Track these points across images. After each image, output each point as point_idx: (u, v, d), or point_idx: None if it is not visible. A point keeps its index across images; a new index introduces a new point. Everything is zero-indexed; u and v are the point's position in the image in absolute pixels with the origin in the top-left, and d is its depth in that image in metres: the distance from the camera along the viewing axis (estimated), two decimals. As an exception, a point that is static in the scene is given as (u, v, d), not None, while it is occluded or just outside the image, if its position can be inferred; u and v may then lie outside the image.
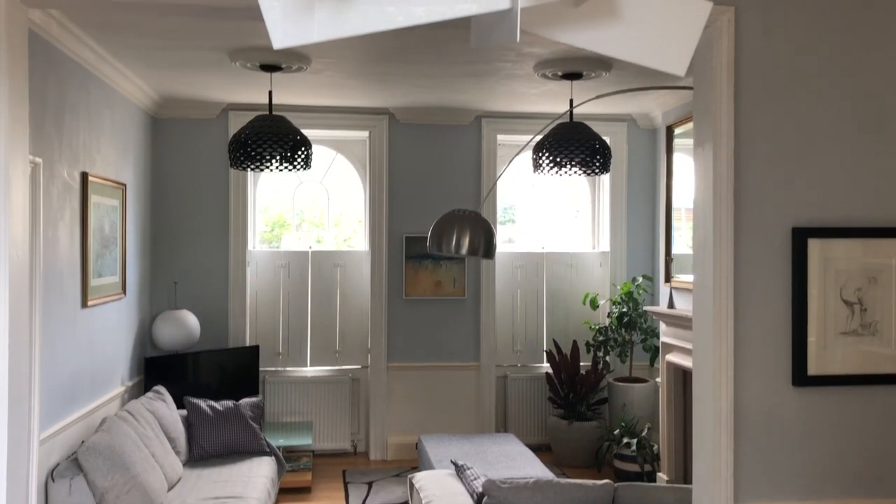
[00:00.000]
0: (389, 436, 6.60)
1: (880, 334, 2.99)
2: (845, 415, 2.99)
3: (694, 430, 3.09)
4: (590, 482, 3.25)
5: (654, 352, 6.36)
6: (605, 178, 6.97)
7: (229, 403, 5.33)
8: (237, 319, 6.46)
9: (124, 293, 5.38)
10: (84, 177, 4.56)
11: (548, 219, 7.20)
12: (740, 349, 2.94)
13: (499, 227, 6.90)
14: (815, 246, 2.96)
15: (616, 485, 3.27)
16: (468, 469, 3.81)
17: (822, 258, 2.96)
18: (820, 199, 2.99)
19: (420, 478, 3.93)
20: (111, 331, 5.13)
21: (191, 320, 5.98)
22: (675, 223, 6.34)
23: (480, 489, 3.46)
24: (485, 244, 3.39)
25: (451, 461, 4.02)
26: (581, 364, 6.63)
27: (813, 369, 2.96)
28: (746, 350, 2.95)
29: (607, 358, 6.62)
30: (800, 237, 2.95)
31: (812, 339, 2.95)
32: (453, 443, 5.43)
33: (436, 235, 3.50)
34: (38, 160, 3.86)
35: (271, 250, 6.80)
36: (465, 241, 3.34)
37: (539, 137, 4.99)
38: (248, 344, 6.46)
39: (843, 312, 2.98)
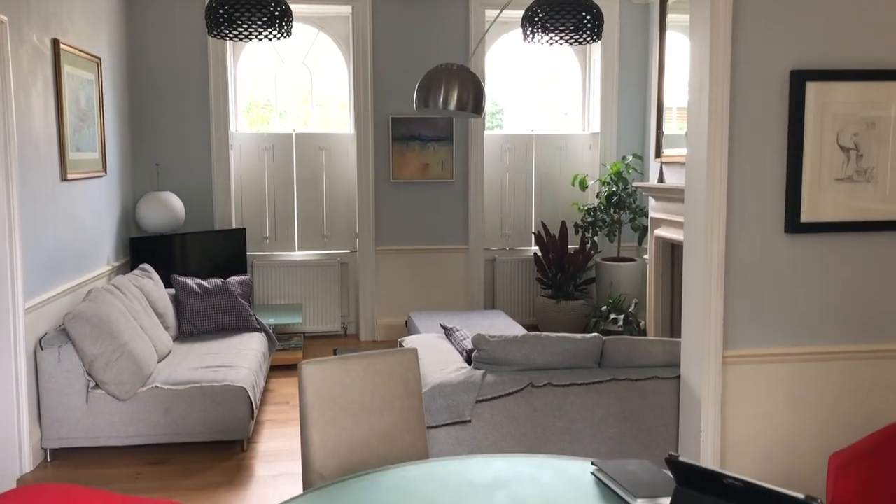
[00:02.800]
0: (379, 318, 6.64)
1: (875, 180, 2.95)
2: (836, 262, 2.98)
3: (684, 279, 3.08)
4: (578, 336, 3.26)
5: (642, 231, 6.35)
6: (597, 57, 6.79)
7: (217, 281, 5.30)
8: (222, 203, 6.37)
9: (105, 171, 5.27)
10: (55, 44, 4.38)
11: (537, 106, 7.04)
12: (733, 196, 2.90)
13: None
14: (813, 89, 2.88)
15: (605, 338, 3.28)
16: (457, 331, 3.82)
17: (820, 102, 2.89)
18: (820, 41, 2.89)
19: (409, 340, 3.94)
20: (94, 208, 5.04)
21: (175, 202, 5.89)
22: (665, 122, 6.21)
23: (470, 346, 3.47)
24: (474, 98, 3.28)
25: (441, 325, 4.03)
26: (569, 247, 6.63)
27: (806, 216, 2.93)
28: (740, 197, 2.91)
29: (595, 238, 6.61)
30: (798, 80, 2.86)
31: (806, 185, 2.91)
32: (442, 317, 5.46)
33: (423, 90, 3.38)
34: (4, 18, 3.67)
35: (254, 133, 6.65)
36: (454, 96, 3.21)
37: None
38: (234, 227, 6.40)
39: (838, 158, 2.93)
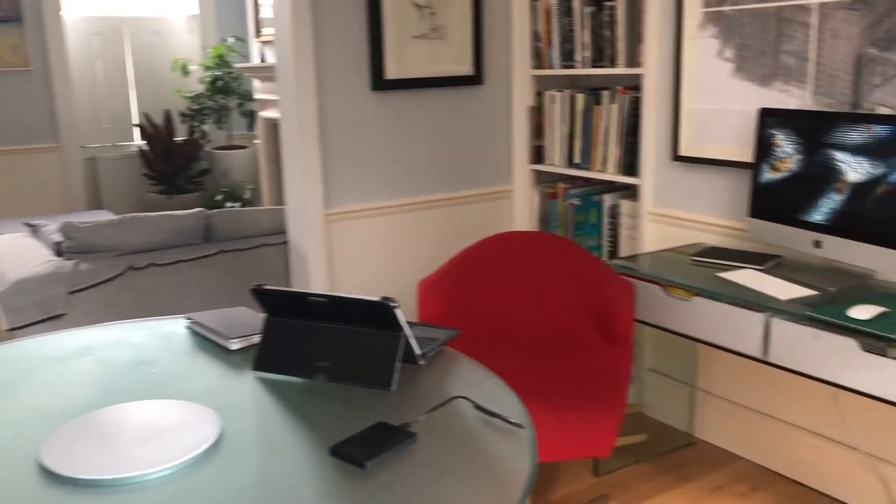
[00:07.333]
0: (-44, 234, 5.70)
1: (449, 37, 3.18)
2: (418, 117, 3.19)
3: (282, 146, 3.07)
4: (180, 212, 3.10)
5: (250, 117, 6.23)
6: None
7: None
8: None
9: None
10: None
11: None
12: (322, 58, 2.92)
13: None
14: (386, -53, 2.97)
15: (209, 212, 3.17)
16: (45, 226, 3.41)
17: (394, -40, 2.99)
18: None
19: (-15, 242, 3.42)
20: None
21: None
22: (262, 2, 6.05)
23: (59, 237, 3.13)
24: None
25: (24, 222, 3.56)
26: (177, 138, 6.27)
27: (390, 73, 3.07)
28: (327, 59, 2.94)
29: (204, 127, 6.34)
30: (372, -63, 2.93)
31: (388, 43, 3.04)
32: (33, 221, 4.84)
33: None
34: None
35: None
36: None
37: None
38: None
39: (414, 16, 3.09)
